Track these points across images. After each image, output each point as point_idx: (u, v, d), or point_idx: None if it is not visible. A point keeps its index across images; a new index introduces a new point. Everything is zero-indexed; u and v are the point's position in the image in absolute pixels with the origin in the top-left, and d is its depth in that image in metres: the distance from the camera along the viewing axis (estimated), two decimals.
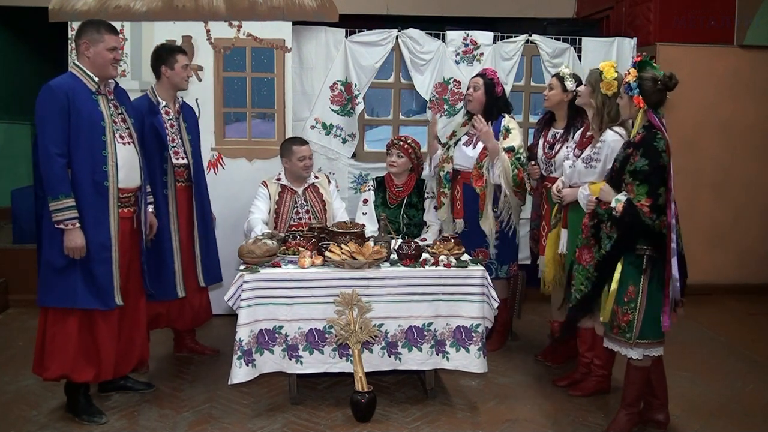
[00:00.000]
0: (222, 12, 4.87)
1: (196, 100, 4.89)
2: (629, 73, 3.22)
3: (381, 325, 3.60)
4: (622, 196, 3.17)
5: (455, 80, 5.35)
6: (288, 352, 3.57)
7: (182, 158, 4.06)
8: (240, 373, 3.50)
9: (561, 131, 4.18)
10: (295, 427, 3.48)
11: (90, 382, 3.53)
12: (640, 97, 3.18)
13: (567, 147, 4.03)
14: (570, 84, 4.08)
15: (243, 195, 4.86)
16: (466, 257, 3.84)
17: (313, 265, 3.63)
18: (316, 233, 3.88)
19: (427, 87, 5.34)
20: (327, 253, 3.63)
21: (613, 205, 3.17)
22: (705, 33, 5.78)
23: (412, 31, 5.28)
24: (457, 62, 5.38)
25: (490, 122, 4.33)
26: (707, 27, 5.77)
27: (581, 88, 3.79)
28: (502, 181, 4.23)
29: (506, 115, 4.40)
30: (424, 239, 4.42)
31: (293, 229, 4.28)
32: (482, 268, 3.71)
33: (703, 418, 3.67)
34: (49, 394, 3.77)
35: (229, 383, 3.54)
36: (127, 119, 3.52)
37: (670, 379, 3.52)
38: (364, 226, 4.00)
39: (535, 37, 5.43)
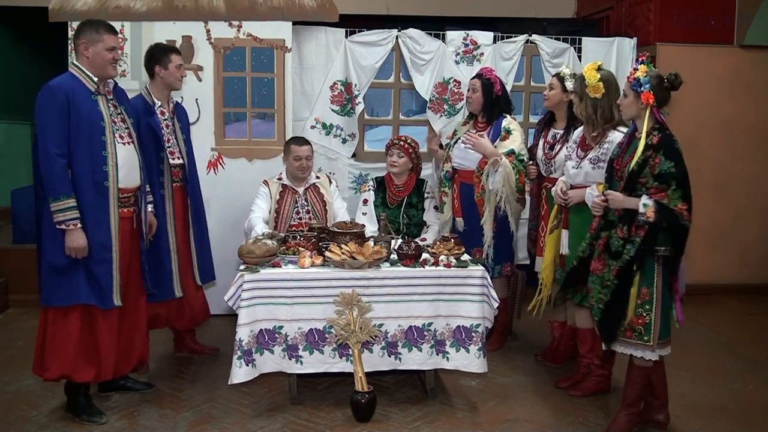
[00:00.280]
0: (222, 12, 4.87)
1: (196, 100, 4.90)
2: (637, 70, 3.18)
3: (381, 325, 3.60)
4: (647, 201, 3.11)
5: (455, 80, 5.35)
6: (288, 352, 3.57)
7: (178, 158, 4.06)
8: (240, 373, 3.50)
9: (561, 131, 4.17)
10: (295, 427, 3.48)
11: (90, 382, 3.53)
12: (651, 92, 3.15)
13: (567, 147, 4.03)
14: (570, 84, 4.08)
15: (243, 195, 4.87)
16: (466, 257, 3.84)
17: (313, 265, 3.63)
18: (316, 233, 3.88)
19: (427, 87, 5.34)
20: (327, 253, 3.63)
21: (642, 210, 3.10)
22: (705, 33, 5.78)
23: (412, 31, 5.28)
24: (457, 62, 5.38)
25: (491, 127, 4.33)
26: (707, 27, 5.77)
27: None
28: (506, 189, 4.21)
29: (507, 116, 4.39)
30: (424, 239, 4.42)
31: (293, 229, 4.28)
32: (482, 268, 3.71)
33: (703, 418, 3.67)
34: (49, 394, 3.77)
35: (229, 383, 3.54)
36: (127, 119, 3.52)
37: (670, 379, 3.52)
38: (364, 226, 4.00)
39: (535, 37, 5.43)
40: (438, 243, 3.88)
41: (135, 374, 3.90)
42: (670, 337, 3.27)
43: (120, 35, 4.50)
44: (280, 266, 3.63)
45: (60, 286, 3.33)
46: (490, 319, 3.78)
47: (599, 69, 3.62)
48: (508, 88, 5.26)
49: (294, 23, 4.98)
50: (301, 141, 4.42)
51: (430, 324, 3.65)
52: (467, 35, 5.39)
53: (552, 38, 5.49)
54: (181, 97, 4.78)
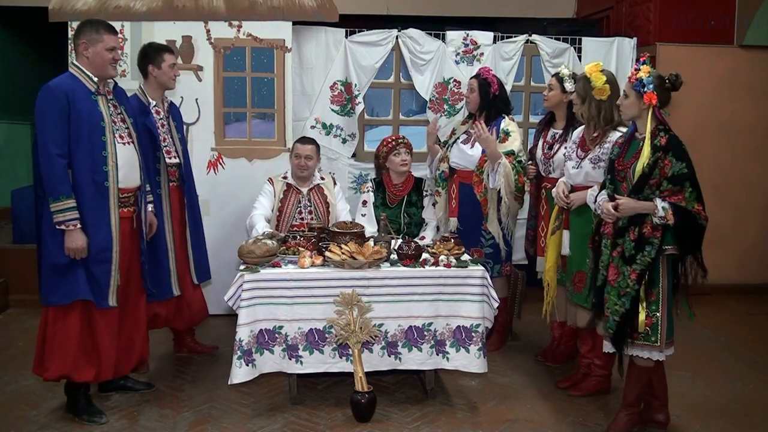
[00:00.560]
0: (222, 12, 4.87)
1: (196, 100, 4.90)
2: (639, 71, 3.17)
3: (381, 325, 3.60)
4: (664, 203, 3.09)
5: (455, 80, 5.35)
6: (288, 352, 3.57)
7: (174, 157, 4.07)
8: (240, 373, 3.50)
9: (560, 131, 4.18)
10: (295, 427, 3.48)
11: (90, 382, 3.52)
12: (654, 93, 3.14)
13: (565, 147, 4.03)
14: (569, 85, 4.08)
15: (243, 195, 4.87)
16: (466, 257, 3.84)
17: (313, 265, 3.63)
18: (316, 233, 3.88)
19: (427, 87, 5.34)
20: (327, 253, 3.63)
21: (661, 214, 3.08)
22: (705, 33, 5.78)
23: (412, 31, 5.28)
24: (457, 62, 5.38)
25: (490, 127, 4.34)
26: (707, 27, 5.77)
27: (574, 97, 3.76)
28: (504, 187, 4.22)
29: (506, 117, 4.40)
30: (423, 237, 4.44)
31: (295, 229, 4.28)
32: (482, 268, 3.71)
33: (703, 418, 3.67)
34: (49, 394, 3.77)
35: (229, 383, 3.54)
36: (127, 119, 3.52)
37: (670, 379, 3.52)
38: (363, 226, 4.00)
39: (535, 37, 5.43)
40: (438, 243, 3.88)
41: (135, 374, 3.90)
42: (673, 337, 3.27)
43: (120, 35, 4.50)
44: (280, 266, 3.63)
45: (60, 286, 3.33)
46: (490, 319, 3.78)
47: (602, 71, 3.62)
48: (508, 88, 5.26)
49: (294, 23, 4.98)
50: (306, 140, 4.43)
51: (430, 324, 3.65)
52: (467, 35, 5.39)
53: (552, 38, 5.49)
54: (181, 97, 4.79)
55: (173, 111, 4.18)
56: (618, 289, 3.22)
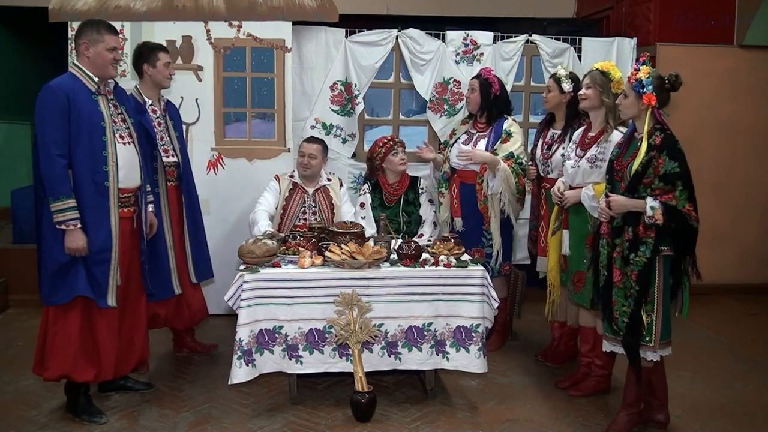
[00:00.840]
0: (222, 12, 4.87)
1: (196, 100, 4.90)
2: (639, 71, 3.17)
3: (381, 325, 3.60)
4: (653, 203, 3.09)
5: (455, 80, 5.35)
6: (288, 352, 3.57)
7: (172, 156, 4.07)
8: (240, 373, 3.50)
9: (559, 132, 4.18)
10: (295, 427, 3.48)
11: (90, 382, 3.52)
12: (653, 94, 3.15)
13: (563, 147, 4.03)
14: (567, 86, 4.09)
15: (243, 195, 4.87)
16: (466, 257, 3.84)
17: (313, 265, 3.63)
18: (316, 233, 3.88)
19: (427, 87, 5.34)
20: (327, 253, 3.63)
21: (650, 213, 3.08)
22: (705, 33, 5.78)
23: (412, 31, 5.28)
24: (457, 62, 5.38)
25: (490, 128, 4.37)
26: (707, 27, 5.77)
27: (587, 92, 3.70)
28: (506, 192, 4.24)
29: (509, 118, 4.41)
30: (422, 235, 4.47)
31: (297, 229, 4.28)
32: (482, 268, 3.71)
33: (703, 418, 3.67)
34: (49, 394, 3.77)
35: (229, 383, 3.54)
36: (127, 119, 3.52)
37: (670, 379, 3.52)
38: (363, 226, 4.01)
39: (535, 37, 5.43)
40: (438, 243, 3.88)
41: (135, 374, 3.91)
42: (671, 337, 3.27)
43: (120, 35, 4.48)
44: (280, 266, 3.63)
45: (60, 285, 3.33)
46: (490, 319, 3.78)
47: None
48: (508, 88, 5.24)
49: (294, 23, 4.98)
50: (313, 140, 4.44)
51: (430, 324, 3.65)
52: (467, 35, 5.39)
53: (552, 38, 5.49)
54: (181, 97, 4.78)
55: (171, 110, 4.19)
56: (624, 290, 3.22)
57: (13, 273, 5.38)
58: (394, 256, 3.74)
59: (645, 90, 3.15)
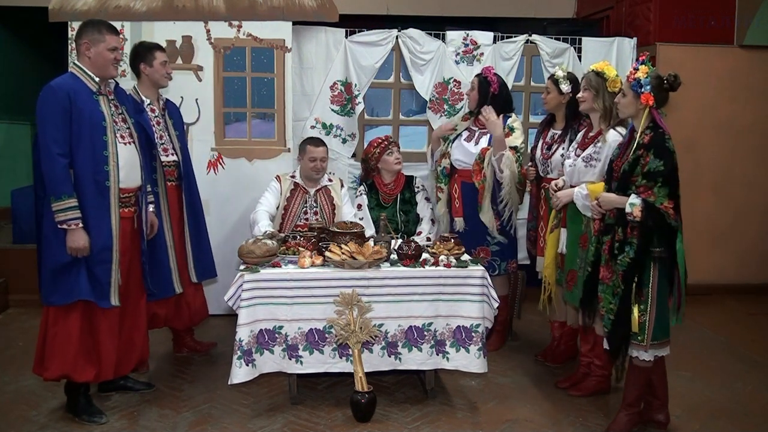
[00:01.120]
0: (222, 12, 4.87)
1: (196, 100, 4.90)
2: (638, 70, 3.18)
3: (381, 325, 3.60)
4: (635, 200, 3.11)
5: (455, 80, 5.35)
6: (288, 352, 3.57)
7: (172, 154, 4.07)
8: (240, 373, 3.50)
9: (559, 132, 4.18)
10: (295, 427, 3.48)
11: (90, 382, 3.52)
12: (651, 94, 3.15)
13: (563, 148, 4.04)
14: (565, 87, 4.09)
15: (243, 195, 4.87)
16: (466, 257, 3.84)
17: (313, 265, 3.63)
18: (316, 233, 3.89)
19: (427, 87, 5.34)
20: (327, 253, 3.63)
21: (628, 210, 3.11)
22: (705, 33, 5.78)
23: (412, 31, 5.28)
24: (457, 62, 5.38)
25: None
26: (707, 27, 5.77)
27: (583, 94, 3.73)
28: (507, 173, 4.23)
29: (512, 115, 4.43)
30: (420, 232, 4.49)
31: (298, 229, 4.28)
32: (482, 268, 3.71)
33: (703, 418, 3.67)
34: (49, 394, 3.77)
35: (229, 383, 3.54)
36: (128, 119, 3.52)
37: (670, 379, 3.52)
38: (363, 226, 4.01)
39: (535, 37, 5.43)
40: (438, 243, 3.88)
41: (135, 374, 3.90)
42: (669, 338, 3.27)
43: (120, 35, 4.49)
44: (280, 266, 3.63)
45: (61, 285, 3.33)
46: (490, 319, 3.78)
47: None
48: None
49: (294, 23, 4.98)
50: (318, 142, 4.42)
51: (430, 324, 3.65)
52: (467, 35, 5.39)
53: (552, 38, 5.49)
54: (181, 97, 4.79)
55: (170, 108, 4.18)
56: (612, 288, 3.24)
57: (13, 273, 5.38)
58: (394, 256, 3.75)
59: (643, 90, 3.16)
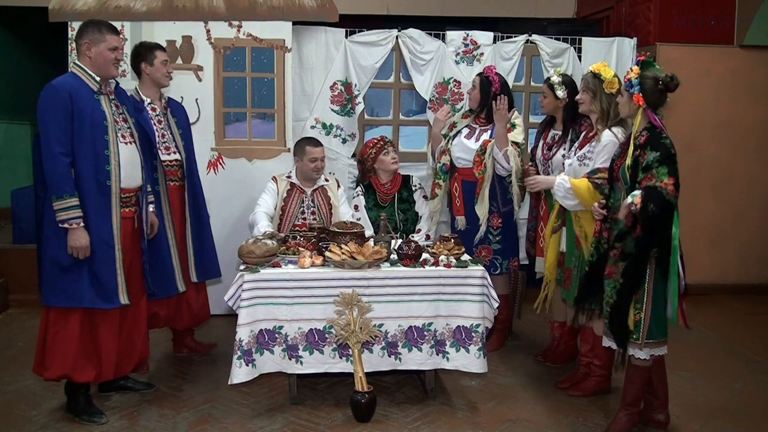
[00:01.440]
0: (222, 12, 4.87)
1: (196, 100, 4.90)
2: (631, 71, 3.21)
3: (381, 325, 3.60)
4: (635, 192, 3.11)
5: (455, 80, 5.35)
6: (288, 352, 3.57)
7: (174, 153, 4.07)
8: (240, 373, 3.50)
9: (560, 133, 4.18)
10: (295, 427, 3.48)
11: (91, 382, 3.52)
12: (640, 95, 3.17)
13: (564, 149, 4.04)
14: (560, 92, 4.09)
15: (243, 195, 4.88)
16: (466, 257, 3.84)
17: (313, 265, 3.63)
18: (316, 233, 3.89)
19: (427, 87, 5.34)
20: (327, 253, 3.63)
21: (629, 200, 3.10)
22: (705, 33, 5.79)
23: (412, 31, 5.28)
24: (457, 62, 5.38)
25: (491, 124, 4.38)
26: (707, 27, 5.78)
27: (582, 96, 3.74)
28: (513, 162, 4.24)
29: (514, 112, 4.44)
30: (419, 230, 4.49)
31: (296, 228, 4.28)
32: (482, 268, 3.71)
33: (703, 418, 3.67)
34: (49, 394, 3.77)
35: (229, 383, 3.54)
36: (128, 119, 3.52)
37: (670, 379, 3.52)
38: (363, 226, 4.01)
39: (535, 37, 5.43)
40: (438, 243, 3.88)
41: (135, 374, 3.90)
42: (666, 337, 3.27)
43: (120, 35, 4.49)
44: (280, 266, 3.63)
45: (62, 286, 3.32)
46: (490, 319, 3.78)
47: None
48: None
49: (294, 23, 4.99)
50: (316, 142, 4.42)
51: (430, 324, 3.65)
52: (467, 35, 5.39)
53: (552, 38, 5.49)
54: (181, 97, 4.78)
55: (173, 107, 4.18)
56: (614, 282, 3.25)
57: (13, 273, 5.38)
58: (394, 256, 3.75)
59: (633, 90, 3.19)
